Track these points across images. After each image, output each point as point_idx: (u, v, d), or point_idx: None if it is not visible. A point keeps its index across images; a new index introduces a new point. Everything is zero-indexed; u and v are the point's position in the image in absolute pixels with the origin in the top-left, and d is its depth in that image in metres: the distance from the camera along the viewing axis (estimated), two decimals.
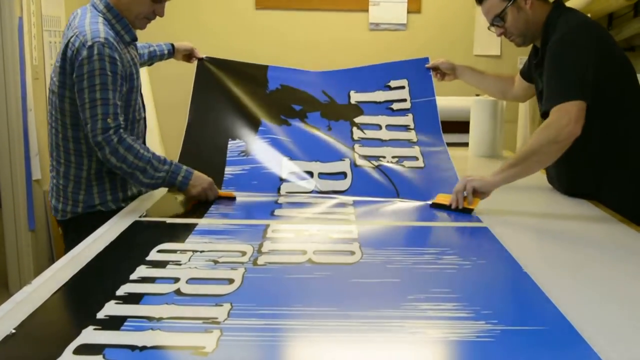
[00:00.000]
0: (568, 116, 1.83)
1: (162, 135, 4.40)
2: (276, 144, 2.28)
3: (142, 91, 2.25)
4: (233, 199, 2.05)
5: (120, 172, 1.96)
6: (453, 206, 1.87)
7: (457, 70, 2.50)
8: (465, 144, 2.97)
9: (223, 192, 2.08)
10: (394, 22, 4.42)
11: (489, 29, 2.17)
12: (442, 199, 1.94)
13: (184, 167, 2.01)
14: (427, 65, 2.51)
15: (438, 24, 4.41)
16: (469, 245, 1.61)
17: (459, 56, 4.31)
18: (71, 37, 1.91)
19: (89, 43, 1.86)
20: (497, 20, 2.08)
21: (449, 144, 2.31)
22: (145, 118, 2.23)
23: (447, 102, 3.18)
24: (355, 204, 2.01)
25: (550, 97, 1.90)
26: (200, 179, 2.01)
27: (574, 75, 1.88)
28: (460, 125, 3.14)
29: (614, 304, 1.22)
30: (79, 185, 2.04)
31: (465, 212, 1.85)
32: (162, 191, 2.13)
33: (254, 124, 2.35)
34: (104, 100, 1.87)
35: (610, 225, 1.79)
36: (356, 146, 2.29)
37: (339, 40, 4.42)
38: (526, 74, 2.35)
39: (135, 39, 2.07)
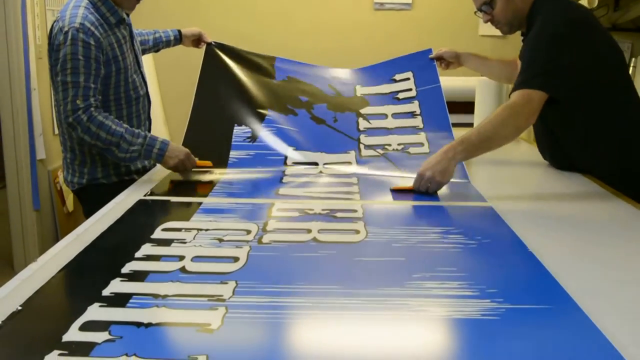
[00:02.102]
0: (530, 105, 1.87)
1: (166, 117, 4.40)
2: (282, 133, 2.29)
3: (145, 72, 2.27)
4: (210, 167, 2.13)
5: (97, 149, 2.04)
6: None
7: (461, 57, 2.49)
8: (470, 124, 2.96)
9: (200, 161, 2.12)
10: (399, 1, 4.39)
11: (475, 13, 2.16)
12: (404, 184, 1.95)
13: (160, 139, 2.05)
14: (430, 56, 2.52)
15: (443, 3, 4.38)
16: (474, 225, 1.61)
17: (464, 37, 4.31)
18: (54, 22, 2.01)
19: (65, 29, 1.95)
20: (486, 7, 2.08)
21: (454, 125, 2.31)
22: (147, 94, 2.28)
23: (452, 82, 3.17)
24: (360, 183, 2.01)
25: (519, 81, 1.91)
26: (176, 150, 2.06)
27: (544, 65, 1.89)
28: (465, 106, 3.13)
29: (619, 283, 1.22)
30: (84, 159, 2.14)
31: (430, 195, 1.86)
32: (167, 170, 2.13)
33: (261, 112, 2.36)
34: (74, 83, 1.95)
35: (611, 203, 1.79)
36: (362, 136, 2.30)
37: (343, 20, 4.39)
38: None
39: (121, 20, 2.10)
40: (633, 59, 4.02)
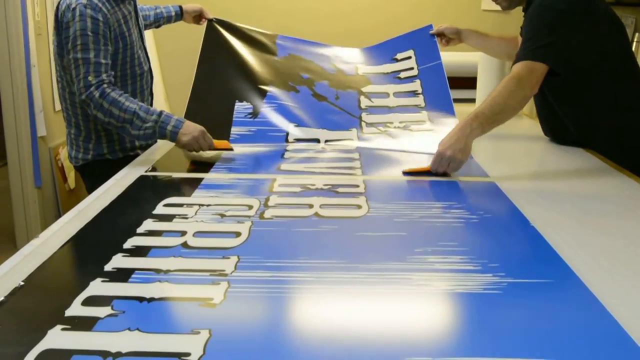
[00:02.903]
0: (534, 75, 1.86)
1: (167, 93, 4.38)
2: (283, 110, 2.29)
3: (146, 46, 2.26)
4: (230, 150, 2.03)
5: (111, 127, 2.00)
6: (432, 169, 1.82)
7: (462, 34, 2.47)
8: (473, 100, 2.95)
9: (219, 142, 2.03)
10: None
11: None
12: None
13: (175, 117, 1.97)
14: (431, 32, 2.50)
15: None
16: (476, 200, 1.60)
17: (467, 11, 4.27)
18: (60, 0, 2.00)
19: (73, 5, 1.94)
20: None
21: (456, 100, 2.30)
22: (150, 69, 2.28)
23: (455, 57, 3.15)
24: (362, 158, 2.00)
25: (521, 53, 1.90)
26: (190, 128, 1.96)
27: (546, 38, 1.88)
28: (467, 81, 3.12)
29: (620, 256, 1.22)
30: (89, 135, 2.15)
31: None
32: (169, 145, 2.13)
33: (262, 89, 2.35)
34: (85, 59, 1.94)
35: (612, 177, 1.80)
36: (363, 114, 2.30)
37: None
38: None
39: None
40: (637, 34, 3.99)
